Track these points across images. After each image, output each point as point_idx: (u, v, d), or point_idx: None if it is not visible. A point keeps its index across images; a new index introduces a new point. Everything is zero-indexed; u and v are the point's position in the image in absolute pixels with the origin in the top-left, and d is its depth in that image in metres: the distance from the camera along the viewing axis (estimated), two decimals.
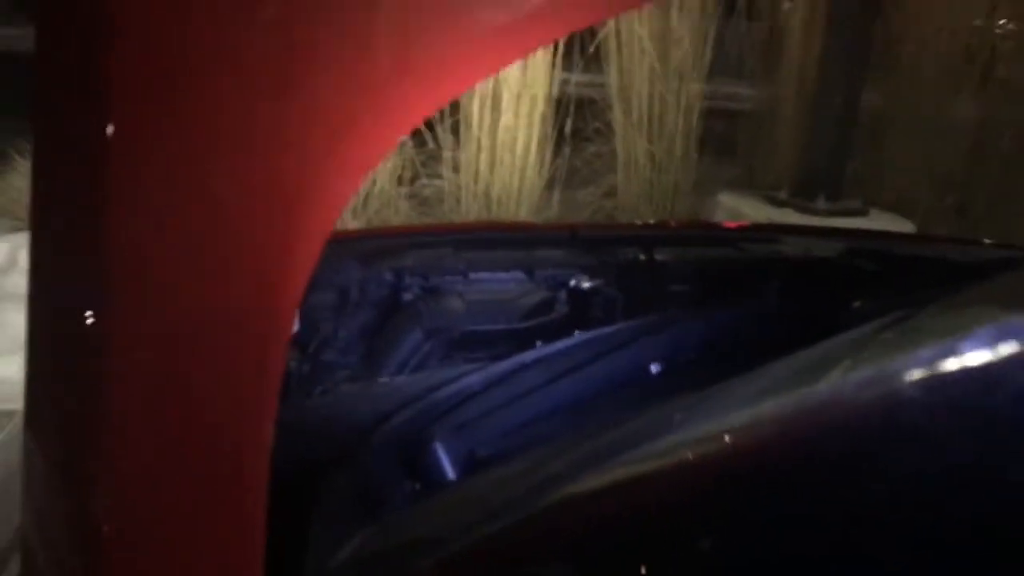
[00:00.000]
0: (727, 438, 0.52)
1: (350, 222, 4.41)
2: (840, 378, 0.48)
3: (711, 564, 0.50)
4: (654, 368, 1.16)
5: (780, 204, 4.97)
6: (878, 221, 4.80)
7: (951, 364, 0.43)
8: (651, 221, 4.46)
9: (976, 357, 0.43)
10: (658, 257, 1.72)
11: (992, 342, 0.42)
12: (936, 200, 5.52)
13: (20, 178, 4.33)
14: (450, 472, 0.92)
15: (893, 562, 0.44)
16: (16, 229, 4.06)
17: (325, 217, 0.65)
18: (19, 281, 3.42)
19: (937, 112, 5.51)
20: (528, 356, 1.14)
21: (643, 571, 0.54)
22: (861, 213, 4.88)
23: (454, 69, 0.68)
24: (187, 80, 0.63)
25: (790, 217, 4.70)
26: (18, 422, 1.25)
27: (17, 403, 0.77)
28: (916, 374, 0.43)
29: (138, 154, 0.61)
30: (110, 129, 0.60)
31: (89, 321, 0.62)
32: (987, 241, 2.29)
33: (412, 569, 0.68)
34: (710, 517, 0.50)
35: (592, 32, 5.02)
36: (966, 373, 0.43)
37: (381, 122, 0.66)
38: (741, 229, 2.17)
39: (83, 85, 0.62)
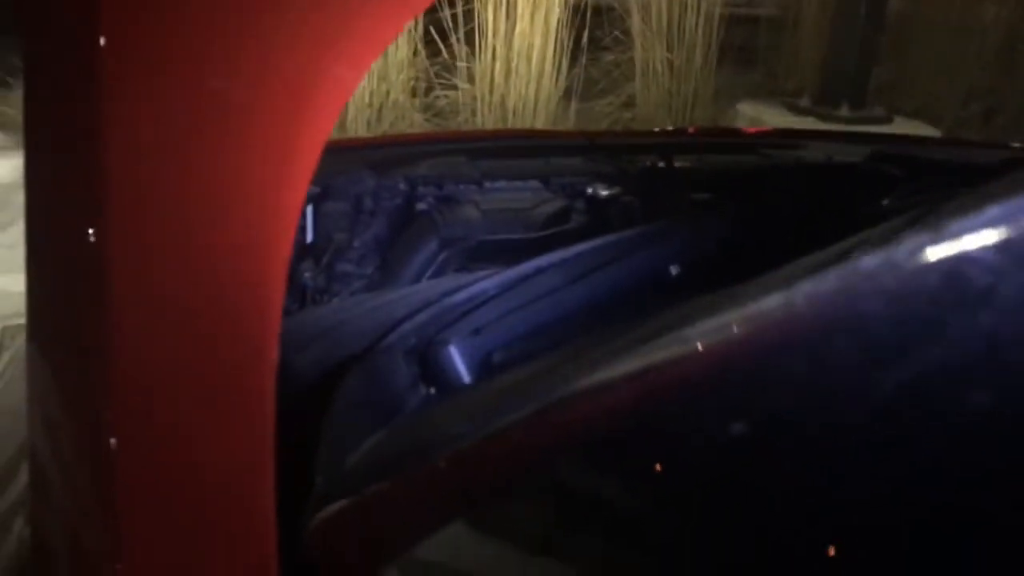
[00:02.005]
0: (735, 328, 0.50)
1: (364, 135, 4.35)
2: (862, 260, 0.45)
3: (734, 451, 0.48)
4: (673, 270, 1.14)
5: (802, 112, 4.87)
6: (903, 128, 4.70)
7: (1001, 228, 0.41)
8: (670, 128, 4.38)
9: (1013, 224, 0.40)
10: (678, 164, 1.68)
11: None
12: (962, 107, 5.39)
13: None
14: (465, 376, 0.90)
15: (917, 430, 0.42)
16: None
17: (329, 107, 0.62)
18: None
19: (964, 17, 5.34)
20: (545, 260, 1.12)
21: (657, 468, 0.52)
22: (885, 121, 4.78)
23: None
24: None
25: (812, 125, 4.61)
26: None
27: None
28: (981, 236, 0.41)
29: (133, 59, 0.58)
30: (102, 40, 0.57)
31: (90, 234, 0.60)
32: (1016, 145, 2.23)
33: (426, 465, 0.67)
34: (725, 406, 0.48)
35: None
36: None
37: (385, 8, 0.62)
38: (763, 134, 2.12)
39: None
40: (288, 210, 0.62)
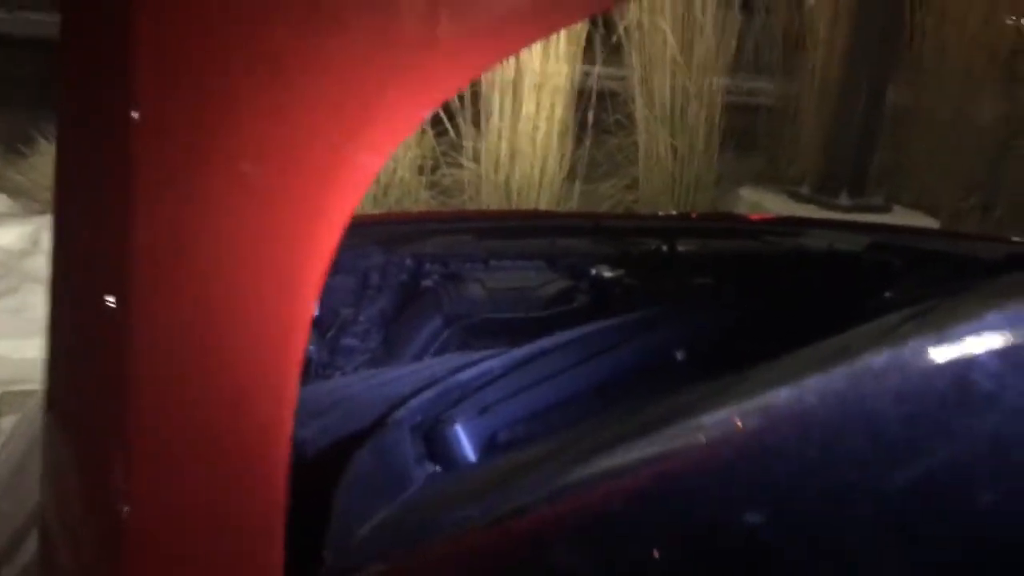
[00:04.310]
0: (739, 421, 0.51)
1: (370, 211, 4.40)
2: (871, 360, 0.46)
3: (744, 540, 0.49)
4: (679, 355, 1.15)
5: (802, 199, 4.94)
6: (902, 218, 4.76)
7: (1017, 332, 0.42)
8: (674, 212, 4.43)
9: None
10: (681, 248, 1.70)
11: None
12: (960, 199, 5.47)
13: (45, 160, 4.35)
14: (471, 455, 0.91)
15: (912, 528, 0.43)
16: (39, 212, 4.07)
17: (351, 192, 0.64)
18: (42, 263, 3.43)
19: (962, 110, 5.46)
20: (550, 341, 1.13)
21: (655, 555, 0.53)
22: (884, 210, 4.84)
23: (482, 43, 0.67)
24: (212, 56, 0.62)
25: (812, 213, 4.66)
26: (36, 402, 1.26)
27: (37, 383, 0.77)
28: (985, 341, 0.42)
29: (163, 135, 0.61)
30: (135, 114, 0.59)
31: (111, 304, 0.61)
32: (1016, 239, 2.26)
33: (429, 543, 0.67)
34: (735, 496, 0.49)
35: (614, 24, 5.00)
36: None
37: (409, 96, 0.65)
38: (765, 221, 2.15)
39: (109, 68, 0.62)
40: (308, 291, 0.64)
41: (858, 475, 0.45)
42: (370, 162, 0.65)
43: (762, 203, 4.93)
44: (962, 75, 5.45)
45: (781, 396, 0.48)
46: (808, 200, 4.90)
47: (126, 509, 0.60)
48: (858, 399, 0.46)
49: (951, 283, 1.34)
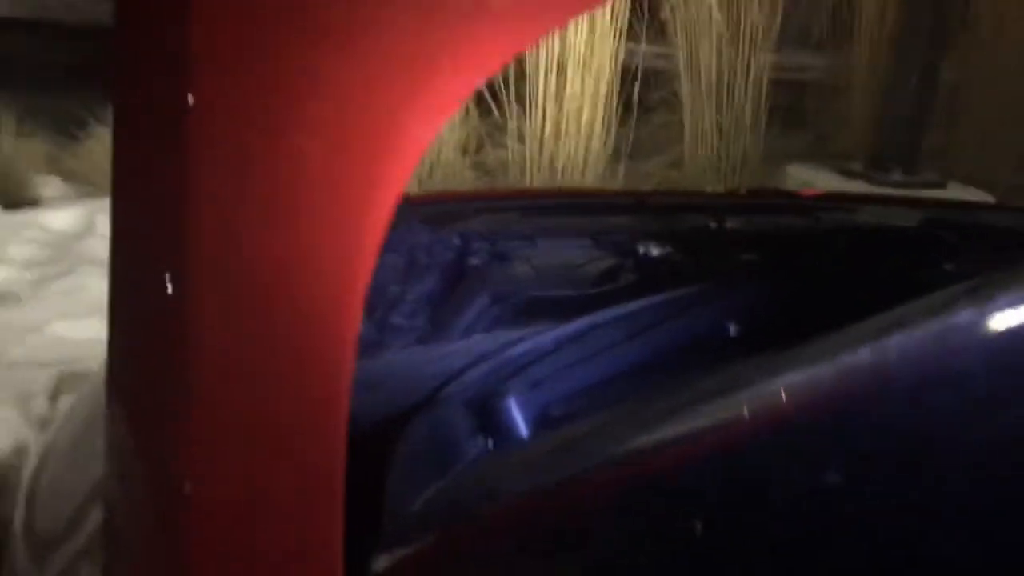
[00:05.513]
0: (784, 395, 0.51)
1: (415, 192, 4.42)
2: (956, 315, 0.45)
3: (824, 500, 0.48)
4: (732, 329, 1.14)
5: (853, 176, 4.86)
6: (957, 194, 4.66)
7: None
8: (721, 190, 4.38)
9: None
10: (730, 225, 1.68)
11: None
12: (1016, 175, 5.35)
13: (98, 144, 4.41)
14: (523, 430, 0.91)
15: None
16: (92, 194, 4.14)
17: (403, 165, 0.64)
18: (96, 245, 3.51)
19: (1018, 83, 5.32)
20: (602, 316, 1.13)
21: (698, 528, 0.53)
22: (939, 186, 4.75)
23: (534, 12, 0.66)
24: (265, 35, 0.62)
25: (864, 189, 4.59)
26: (95, 380, 1.28)
27: (94, 363, 0.78)
28: None
29: (218, 116, 0.61)
30: (191, 98, 0.59)
31: (171, 283, 0.62)
32: None
33: (479, 516, 0.68)
34: (805, 462, 0.48)
35: (659, 1, 4.94)
36: None
37: (461, 66, 0.64)
38: (817, 197, 2.11)
39: (163, 51, 0.62)
40: (363, 265, 0.64)
41: (946, 432, 0.44)
42: (422, 133, 0.64)
43: (811, 180, 4.86)
44: (1018, 48, 5.31)
45: (861, 356, 0.48)
46: (859, 177, 4.82)
47: (188, 486, 0.61)
48: (945, 355, 0.45)
49: (1011, 256, 1.31)
